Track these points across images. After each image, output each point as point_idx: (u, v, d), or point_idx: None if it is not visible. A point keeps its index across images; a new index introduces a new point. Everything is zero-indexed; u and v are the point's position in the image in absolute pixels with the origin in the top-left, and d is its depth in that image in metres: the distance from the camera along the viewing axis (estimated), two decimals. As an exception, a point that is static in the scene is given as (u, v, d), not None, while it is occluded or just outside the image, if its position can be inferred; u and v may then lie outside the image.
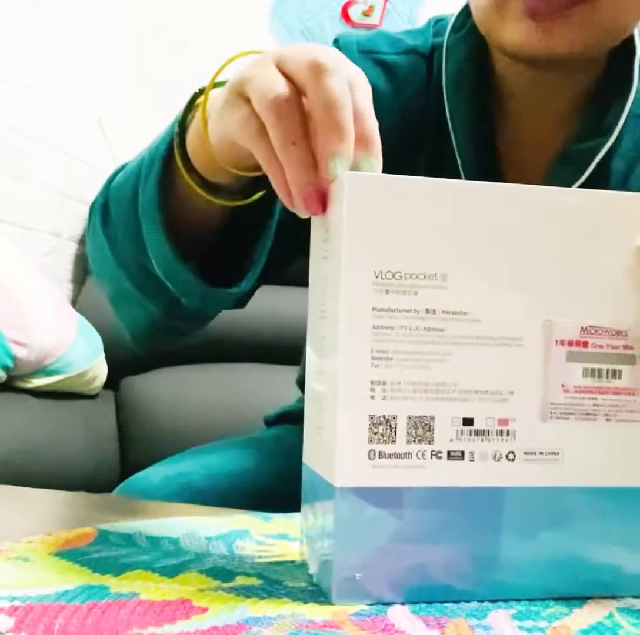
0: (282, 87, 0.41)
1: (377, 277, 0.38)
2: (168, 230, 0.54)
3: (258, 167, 0.46)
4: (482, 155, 0.66)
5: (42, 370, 1.48)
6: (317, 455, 0.42)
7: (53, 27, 1.75)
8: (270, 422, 0.90)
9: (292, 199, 0.42)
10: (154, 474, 0.71)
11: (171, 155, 0.53)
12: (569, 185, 0.64)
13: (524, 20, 0.58)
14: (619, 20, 0.60)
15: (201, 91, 0.52)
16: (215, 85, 0.50)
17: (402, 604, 0.39)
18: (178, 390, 1.71)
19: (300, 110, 0.41)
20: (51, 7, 1.74)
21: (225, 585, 0.41)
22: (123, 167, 0.63)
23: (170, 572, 0.43)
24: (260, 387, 1.65)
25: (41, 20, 1.70)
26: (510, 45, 0.60)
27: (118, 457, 1.62)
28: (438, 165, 0.67)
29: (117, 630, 0.35)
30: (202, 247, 0.57)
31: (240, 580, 0.42)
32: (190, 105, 0.53)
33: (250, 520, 0.55)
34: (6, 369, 1.41)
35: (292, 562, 0.46)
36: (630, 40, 0.66)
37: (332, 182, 0.40)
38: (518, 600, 0.40)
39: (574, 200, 0.40)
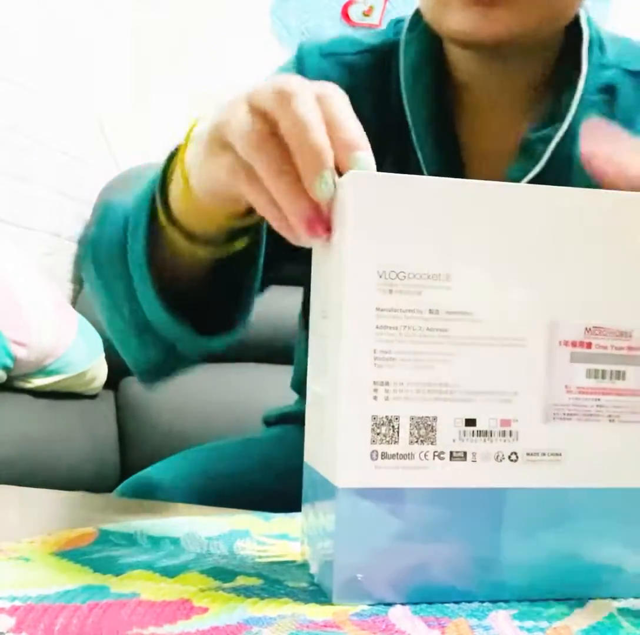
0: (257, 124, 0.42)
1: (380, 277, 0.37)
2: (158, 284, 0.55)
3: (249, 212, 0.48)
4: (441, 148, 0.67)
5: (42, 370, 1.48)
6: (319, 455, 0.42)
7: (53, 27, 1.75)
8: (271, 422, 0.89)
9: (294, 232, 0.42)
10: (149, 474, 0.71)
11: (156, 211, 0.54)
12: (528, 174, 0.65)
13: (468, 7, 0.60)
14: (558, 3, 0.61)
15: (177, 149, 0.52)
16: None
17: (403, 604, 0.39)
18: (178, 390, 1.70)
19: (279, 142, 0.41)
20: (52, 6, 1.74)
21: (226, 585, 0.41)
22: (107, 205, 0.62)
23: (171, 572, 0.43)
24: (259, 386, 1.65)
25: (41, 19, 1.70)
26: (456, 33, 0.61)
27: (118, 457, 1.62)
28: (404, 162, 0.68)
29: (117, 630, 0.35)
30: (192, 296, 0.58)
31: (240, 580, 0.42)
32: (169, 163, 0.53)
33: (250, 520, 0.55)
34: (6, 369, 1.41)
35: (293, 562, 0.46)
36: (578, 25, 0.67)
37: (325, 203, 0.40)
38: (519, 600, 0.40)
39: (579, 200, 0.40)
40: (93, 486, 0.82)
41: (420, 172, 0.67)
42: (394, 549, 0.39)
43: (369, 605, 0.39)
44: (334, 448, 0.38)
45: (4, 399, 1.43)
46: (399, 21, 0.73)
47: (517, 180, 0.66)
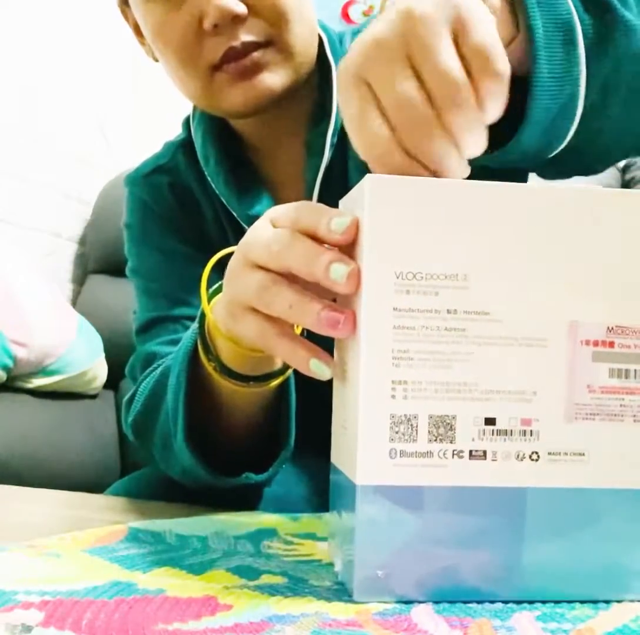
0: (256, 281, 0.43)
1: (398, 277, 0.38)
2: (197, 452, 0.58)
3: None
4: (248, 201, 0.72)
5: (42, 370, 1.48)
6: (341, 454, 0.42)
7: (54, 27, 1.76)
8: None
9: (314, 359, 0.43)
10: (145, 476, 0.73)
11: (194, 372, 0.57)
12: (318, 169, 0.70)
13: (233, 85, 0.64)
14: (305, 42, 0.67)
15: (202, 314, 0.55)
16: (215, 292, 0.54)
17: (426, 602, 0.39)
18: None
19: (287, 283, 0.42)
20: (52, 7, 1.76)
21: (251, 583, 0.42)
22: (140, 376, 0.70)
23: (197, 569, 0.44)
24: None
25: (42, 20, 1.71)
26: (235, 110, 0.66)
27: (118, 457, 1.62)
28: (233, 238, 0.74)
29: (142, 626, 0.36)
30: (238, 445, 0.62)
31: (265, 579, 0.42)
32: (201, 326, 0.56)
33: (278, 520, 0.55)
34: (6, 369, 1.41)
35: (319, 561, 0.46)
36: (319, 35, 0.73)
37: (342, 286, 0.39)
38: (543, 602, 0.40)
39: (599, 200, 0.40)
40: (93, 486, 0.82)
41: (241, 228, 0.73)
42: (415, 547, 0.39)
43: (392, 603, 0.39)
44: (353, 447, 0.39)
45: (4, 399, 1.44)
46: (187, 119, 0.80)
47: (313, 179, 0.70)
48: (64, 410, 1.55)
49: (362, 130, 0.39)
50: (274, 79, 0.65)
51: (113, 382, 1.71)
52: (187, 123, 0.80)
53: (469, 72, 0.38)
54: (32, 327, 1.43)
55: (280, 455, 0.61)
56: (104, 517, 0.55)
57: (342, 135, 0.71)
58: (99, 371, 1.62)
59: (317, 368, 0.42)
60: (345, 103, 0.41)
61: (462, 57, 0.38)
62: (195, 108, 0.78)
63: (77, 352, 1.53)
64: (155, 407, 0.63)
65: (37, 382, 1.50)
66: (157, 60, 0.73)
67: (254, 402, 0.59)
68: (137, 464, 0.77)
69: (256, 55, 0.64)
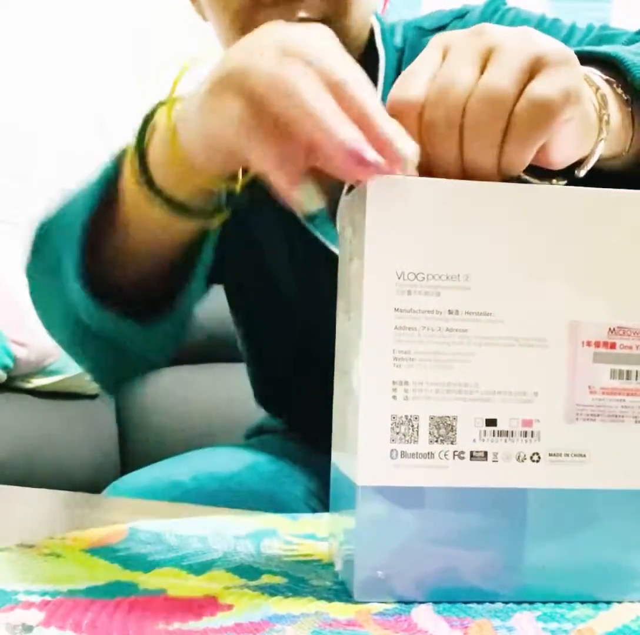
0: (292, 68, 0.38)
1: (399, 278, 0.38)
2: (90, 267, 0.52)
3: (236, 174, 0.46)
4: None
5: (42, 370, 1.49)
6: (342, 454, 0.42)
7: (54, 27, 1.76)
8: (250, 435, 0.93)
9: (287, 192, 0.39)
10: (140, 475, 0.72)
11: (112, 185, 0.51)
12: None
13: None
14: (358, 28, 0.67)
15: (152, 113, 0.50)
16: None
17: (426, 603, 0.39)
18: (178, 390, 1.71)
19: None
20: (52, 6, 1.75)
21: (251, 583, 0.42)
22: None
23: (198, 569, 0.44)
24: None
25: (41, 19, 1.71)
26: None
27: (118, 457, 1.63)
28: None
29: (143, 626, 0.36)
30: (127, 282, 0.55)
31: (266, 579, 0.42)
32: (144, 129, 0.50)
33: (278, 520, 0.56)
34: (6, 369, 1.42)
35: (319, 561, 0.46)
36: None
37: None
38: (544, 602, 0.40)
39: (603, 199, 0.40)
40: (93, 486, 0.82)
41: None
42: (415, 547, 0.39)
43: (393, 604, 0.39)
44: (354, 447, 0.39)
45: (4, 399, 1.44)
46: None
47: None
48: (64, 410, 1.55)
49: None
50: None
51: (113, 382, 1.71)
52: None
53: None
54: (32, 327, 1.43)
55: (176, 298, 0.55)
56: (104, 517, 0.55)
57: None
58: (99, 371, 1.62)
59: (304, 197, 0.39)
60: None
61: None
62: None
63: (77, 353, 1.53)
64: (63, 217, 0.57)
65: (37, 382, 1.50)
66: (206, 20, 0.72)
67: (170, 240, 0.53)
68: (137, 464, 0.78)
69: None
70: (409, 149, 0.38)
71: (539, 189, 0.39)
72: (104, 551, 0.46)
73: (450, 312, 0.38)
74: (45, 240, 0.58)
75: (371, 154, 0.37)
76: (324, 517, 0.55)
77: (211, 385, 1.72)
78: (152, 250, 0.54)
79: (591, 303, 0.40)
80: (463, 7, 0.78)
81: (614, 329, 0.40)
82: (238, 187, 0.49)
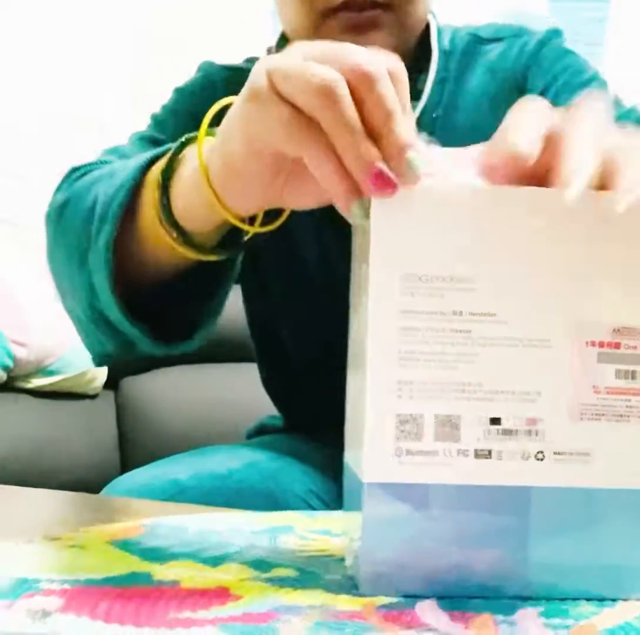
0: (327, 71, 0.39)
1: (403, 280, 0.39)
2: (118, 281, 0.53)
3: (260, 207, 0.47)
4: None
5: (42, 370, 1.49)
6: (351, 452, 0.43)
7: (54, 27, 1.77)
8: (251, 435, 0.93)
9: (344, 194, 0.39)
10: (139, 474, 0.72)
11: (130, 203, 0.52)
12: None
13: (342, 34, 0.64)
14: (418, 18, 0.70)
15: (182, 144, 0.50)
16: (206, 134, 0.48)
17: (431, 598, 0.40)
18: (178, 390, 1.71)
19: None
20: (52, 6, 1.77)
21: (263, 575, 0.43)
22: (82, 167, 0.62)
23: (212, 562, 0.45)
24: (259, 386, 1.65)
25: (41, 19, 1.72)
26: None
27: (118, 457, 1.63)
28: None
29: (155, 614, 0.37)
30: (152, 301, 0.57)
31: (277, 571, 0.44)
32: (175, 156, 0.50)
33: (295, 517, 0.57)
34: (6, 369, 1.43)
35: (332, 556, 0.47)
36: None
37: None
38: (548, 599, 0.41)
39: (604, 201, 0.40)
40: (93, 486, 0.83)
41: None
42: (420, 543, 0.40)
43: (399, 598, 0.40)
44: (360, 445, 0.40)
45: (4, 399, 1.45)
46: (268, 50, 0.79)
47: None
48: (64, 410, 1.55)
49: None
50: (384, 40, 0.65)
51: (113, 382, 1.71)
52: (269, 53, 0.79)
53: None
54: (32, 327, 1.44)
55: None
56: (104, 517, 0.56)
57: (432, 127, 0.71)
58: (99, 371, 1.62)
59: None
60: None
61: None
62: (280, 45, 0.77)
63: (77, 352, 1.52)
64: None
65: (37, 382, 1.50)
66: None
67: (176, 265, 0.55)
68: (137, 464, 0.78)
69: (373, 13, 0.65)
70: (419, 160, 0.39)
71: (541, 192, 0.40)
72: (124, 543, 0.48)
73: (454, 313, 0.39)
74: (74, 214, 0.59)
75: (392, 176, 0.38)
76: (339, 514, 0.56)
77: (211, 385, 1.72)
78: (165, 273, 0.56)
79: (595, 303, 0.40)
80: (521, 27, 0.80)
81: (618, 330, 0.40)
82: (252, 230, 0.50)
